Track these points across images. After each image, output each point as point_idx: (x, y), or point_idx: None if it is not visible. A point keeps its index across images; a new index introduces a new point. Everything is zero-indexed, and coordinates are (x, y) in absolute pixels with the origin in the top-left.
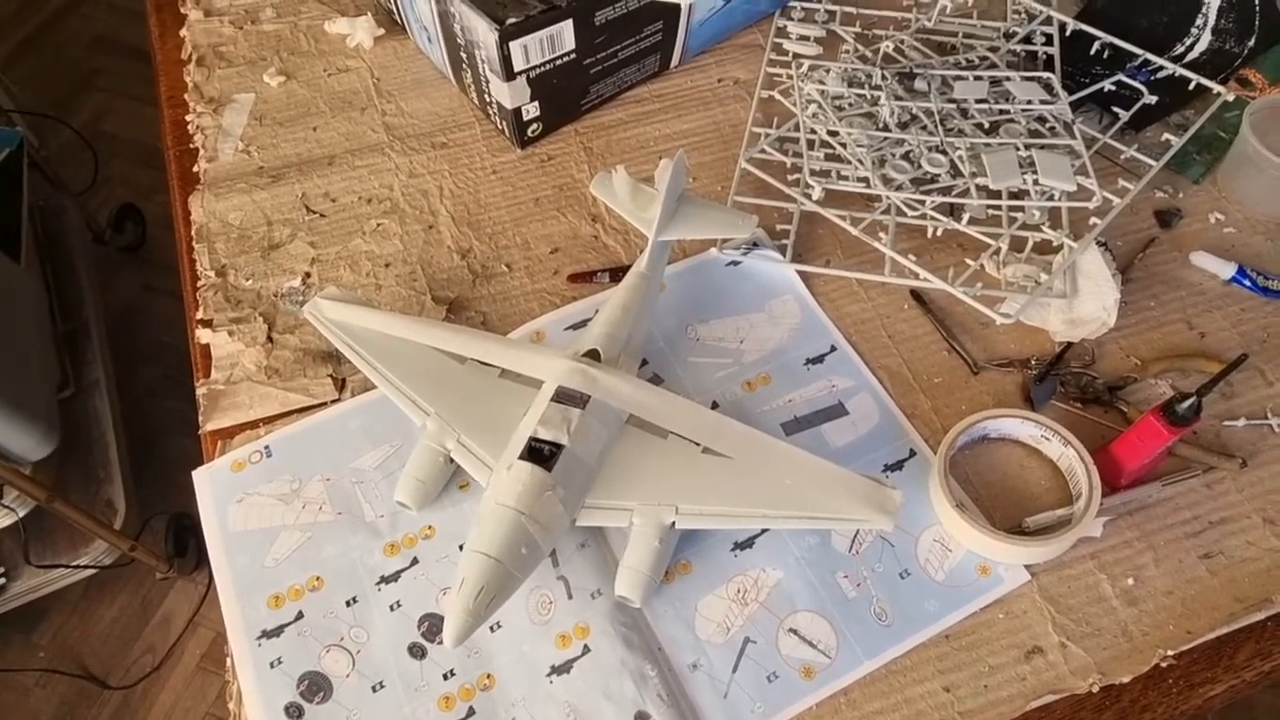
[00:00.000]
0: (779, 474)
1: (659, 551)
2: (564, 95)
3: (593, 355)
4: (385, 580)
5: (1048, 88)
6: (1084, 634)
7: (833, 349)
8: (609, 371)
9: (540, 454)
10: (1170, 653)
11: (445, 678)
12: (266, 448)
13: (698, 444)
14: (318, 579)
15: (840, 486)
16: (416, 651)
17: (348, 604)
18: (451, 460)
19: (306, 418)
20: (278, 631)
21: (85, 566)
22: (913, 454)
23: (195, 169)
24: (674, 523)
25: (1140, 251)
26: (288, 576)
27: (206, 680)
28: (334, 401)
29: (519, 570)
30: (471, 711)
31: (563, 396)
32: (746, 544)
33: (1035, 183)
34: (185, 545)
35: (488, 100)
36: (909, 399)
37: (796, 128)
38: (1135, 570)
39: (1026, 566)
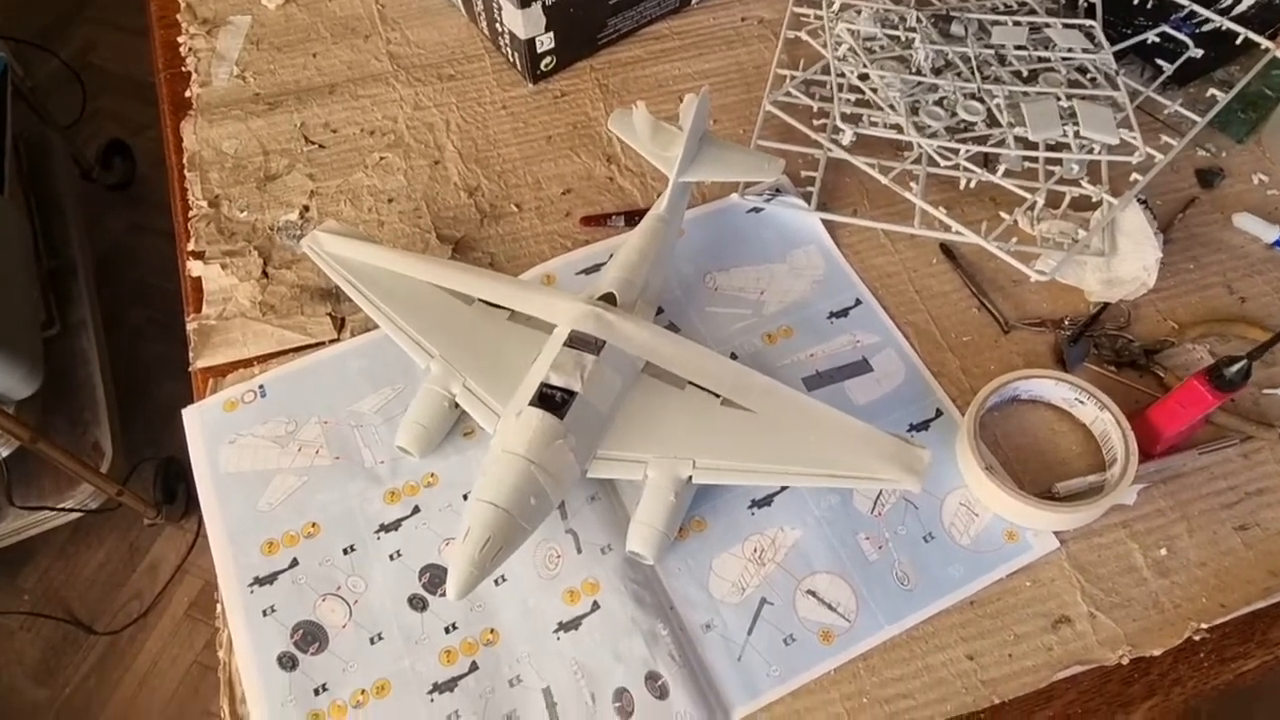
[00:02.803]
0: (802, 429)
1: (674, 506)
2: (580, 27)
3: (608, 299)
4: (385, 529)
5: (1089, 36)
6: (1114, 604)
7: (857, 303)
8: (625, 317)
9: (552, 401)
10: (1203, 626)
11: (447, 631)
12: (261, 387)
13: (717, 395)
14: (314, 525)
15: (866, 444)
16: (417, 603)
17: (345, 552)
18: (456, 405)
19: (303, 357)
20: (271, 579)
21: (71, 510)
22: (939, 414)
23: (187, 94)
24: (691, 477)
25: (1180, 211)
26: (282, 522)
27: (195, 628)
28: (332, 341)
29: (527, 521)
30: (474, 666)
31: (576, 341)
32: (764, 501)
33: (1075, 135)
34: (174, 491)
35: (499, 30)
36: (936, 357)
37: (824, 70)
38: (1168, 540)
39: (1056, 533)
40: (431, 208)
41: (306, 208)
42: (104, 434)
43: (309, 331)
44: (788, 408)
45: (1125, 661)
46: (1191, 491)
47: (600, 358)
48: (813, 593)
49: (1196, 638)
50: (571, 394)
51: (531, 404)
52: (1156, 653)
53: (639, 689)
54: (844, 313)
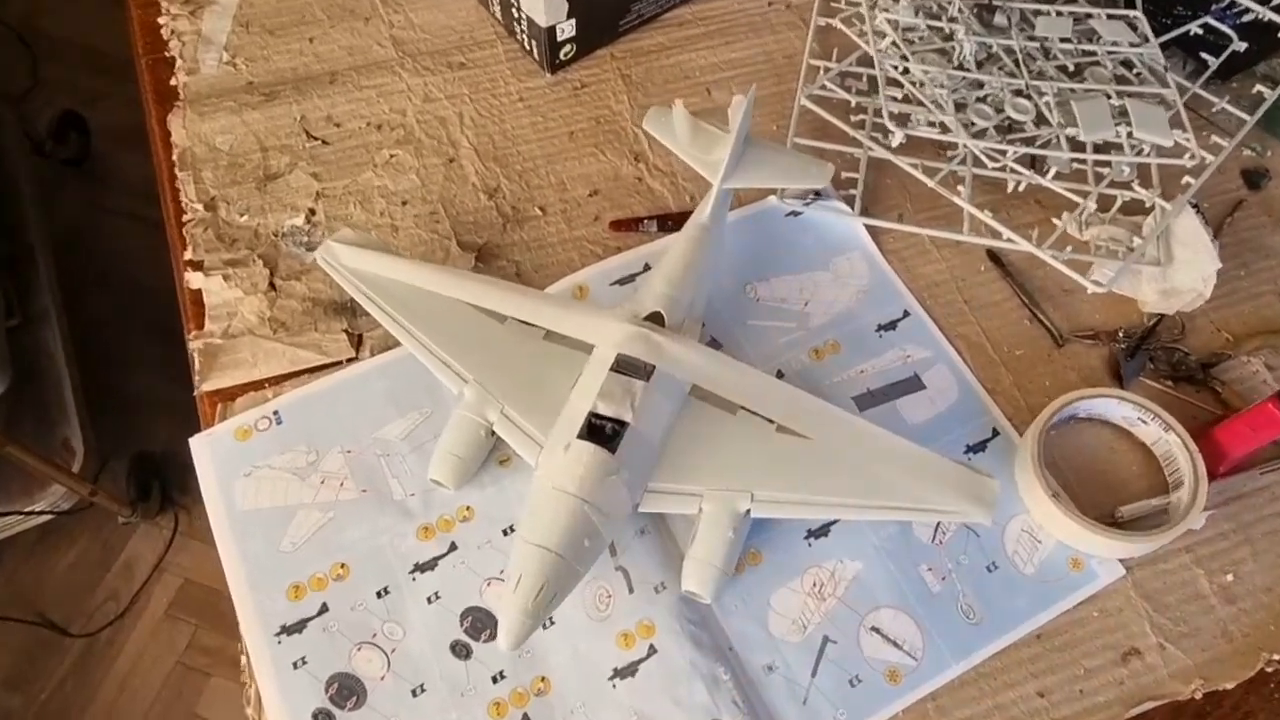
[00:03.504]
0: (863, 457)
1: (731, 542)
2: (602, 12)
3: (655, 319)
4: (420, 568)
5: (1132, 27)
6: (1182, 634)
7: (905, 314)
8: (675, 338)
9: (601, 432)
10: (1275, 657)
11: (494, 680)
12: (276, 413)
13: (771, 421)
14: (343, 566)
15: (930, 473)
16: (460, 650)
17: (379, 595)
18: (493, 434)
19: (320, 379)
20: (300, 626)
21: (41, 513)
22: (995, 434)
23: (172, 82)
24: (749, 510)
25: (1228, 215)
26: (308, 563)
27: (175, 628)
28: (350, 360)
29: (581, 564)
30: (525, 719)
31: (624, 366)
32: (821, 532)
33: (1128, 135)
34: (148, 487)
35: (515, 15)
36: (990, 373)
37: (859, 62)
38: (1233, 565)
39: (1121, 560)
40: (450, 211)
41: (313, 211)
42: (73, 431)
43: (324, 350)
44: (846, 434)
45: (1199, 695)
46: (1253, 513)
47: (650, 384)
48: (877, 629)
49: (1269, 669)
50: (623, 424)
51: (580, 436)
52: (1229, 685)
53: None
54: (892, 325)
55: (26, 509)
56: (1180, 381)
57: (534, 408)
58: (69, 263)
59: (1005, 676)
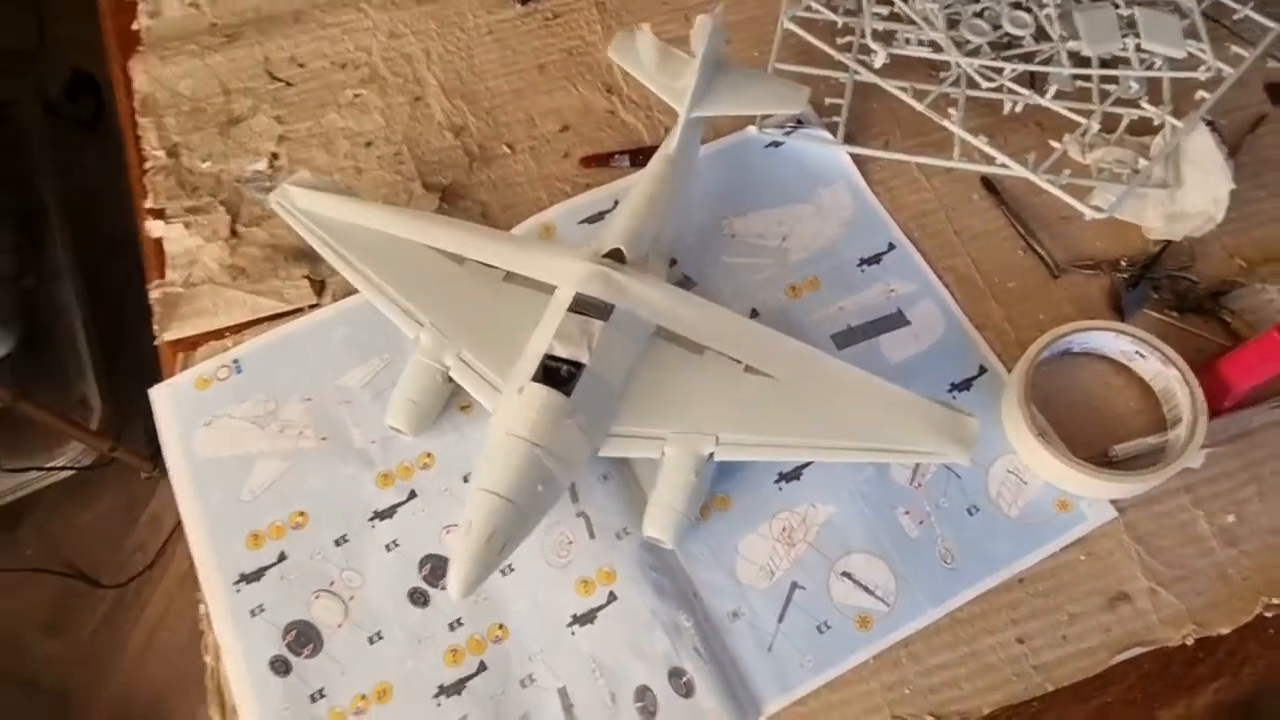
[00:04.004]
0: (835, 397)
1: (695, 486)
2: None
3: (615, 256)
4: (379, 516)
5: None
6: (1176, 578)
7: (891, 247)
8: (636, 276)
9: (556, 375)
10: (1275, 600)
11: (452, 628)
12: (236, 362)
13: (739, 361)
14: (301, 515)
15: (907, 412)
16: (418, 598)
17: (337, 543)
18: (451, 379)
19: (280, 326)
20: (258, 575)
21: (62, 468)
22: (983, 371)
23: (135, 26)
24: (713, 454)
25: (1248, 132)
26: (267, 512)
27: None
28: (312, 307)
29: (535, 511)
30: (483, 666)
31: (582, 305)
32: (793, 475)
33: (1136, 48)
34: None
35: None
36: (979, 306)
37: None
38: (1236, 506)
39: (1113, 502)
40: (414, 151)
41: (275, 155)
42: (90, 388)
43: (286, 297)
44: (818, 373)
45: (1190, 642)
46: (1262, 450)
47: (609, 323)
48: (848, 575)
49: (1268, 614)
50: (579, 366)
51: (534, 379)
52: (1224, 630)
53: (662, 686)
54: (876, 259)
55: (48, 465)
56: (1187, 312)
57: (492, 351)
58: (87, 223)
59: (984, 622)
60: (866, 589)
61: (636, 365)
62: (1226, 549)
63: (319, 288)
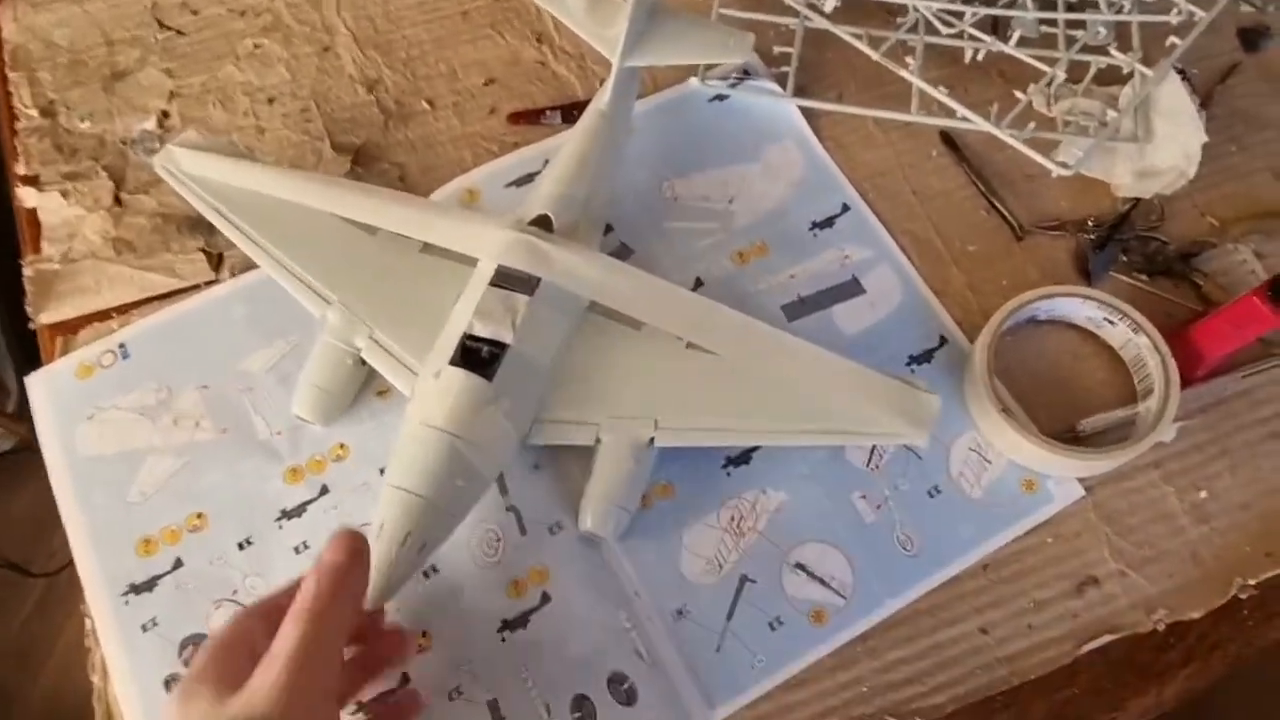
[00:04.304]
0: (784, 375)
1: (634, 475)
2: None
3: (542, 223)
4: (287, 515)
5: None
6: (1145, 559)
7: (844, 209)
8: (564, 245)
9: (477, 357)
10: (1251, 581)
11: None
12: (122, 346)
13: (681, 338)
14: (199, 516)
15: (861, 390)
16: None
17: (240, 546)
18: (363, 362)
19: (172, 306)
20: (150, 585)
21: None
22: (944, 342)
23: None
24: (652, 439)
25: (1218, 82)
26: (160, 514)
27: None
28: (209, 284)
29: (455, 508)
30: (405, 679)
31: (505, 279)
32: (741, 459)
33: None
34: None
35: None
36: (938, 273)
37: None
38: (1207, 481)
39: (1080, 480)
40: (323, 108)
41: (166, 113)
42: (6, 367)
43: (178, 273)
44: (766, 349)
45: (1162, 627)
46: (1232, 421)
47: (535, 298)
48: (802, 566)
49: (1242, 595)
50: (501, 347)
51: (452, 363)
52: (1196, 615)
53: (601, 695)
54: (829, 222)
55: None
56: (1156, 275)
57: (408, 331)
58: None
59: (945, 613)
60: (821, 581)
61: (567, 343)
62: (1198, 526)
63: (216, 262)
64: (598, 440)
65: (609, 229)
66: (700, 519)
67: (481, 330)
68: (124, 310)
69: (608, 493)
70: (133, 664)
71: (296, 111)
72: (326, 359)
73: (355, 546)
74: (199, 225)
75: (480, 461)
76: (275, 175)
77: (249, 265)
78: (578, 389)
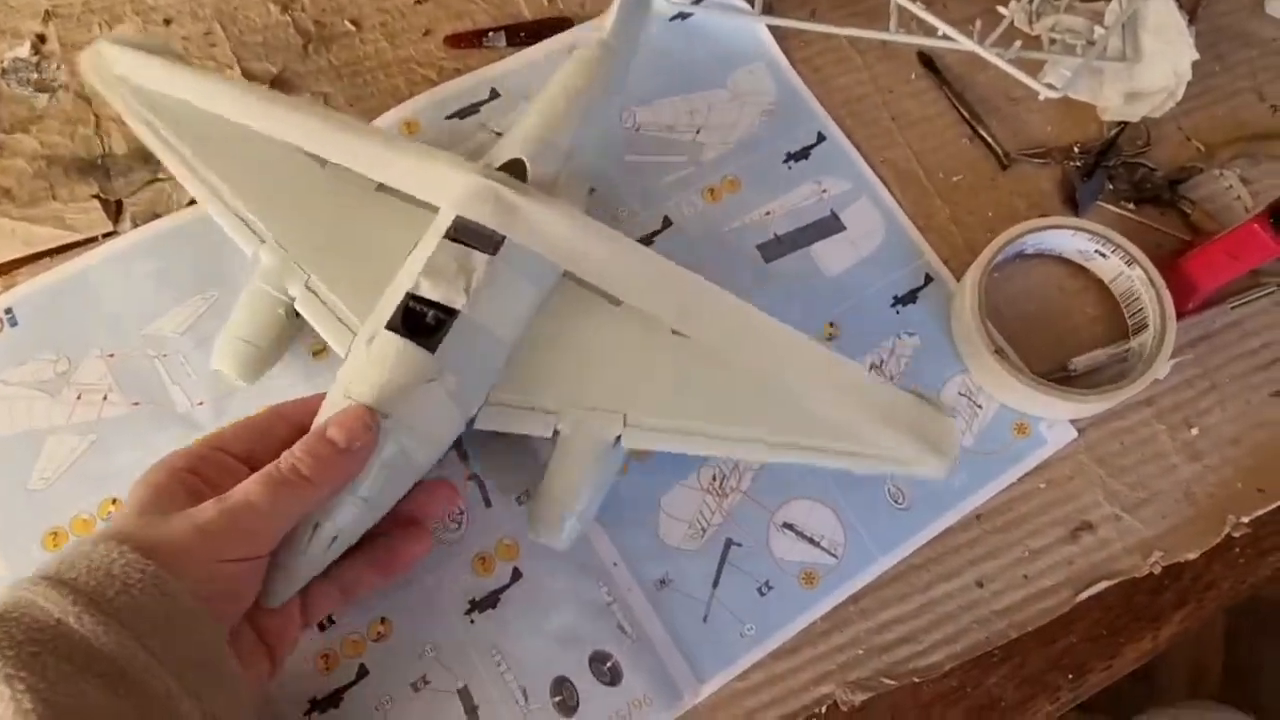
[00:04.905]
0: (781, 375)
1: (594, 479)
2: None
3: (515, 169)
4: None
5: None
6: (1139, 501)
7: (820, 138)
8: (537, 199)
9: (420, 322)
10: (1244, 519)
11: (321, 627)
12: (9, 312)
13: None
14: (114, 502)
15: (869, 401)
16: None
17: None
18: (297, 314)
19: (65, 263)
20: None
21: None
22: (929, 280)
23: None
24: (619, 438)
25: None
26: (68, 501)
27: None
28: (107, 236)
29: (378, 499)
30: (363, 671)
31: (463, 233)
32: None
33: None
34: None
35: None
36: (921, 205)
37: None
38: (1198, 416)
39: (1072, 421)
40: (230, 30)
41: (42, 37)
42: None
43: (70, 224)
44: (763, 345)
45: (1157, 570)
46: (1222, 354)
47: (497, 258)
48: (790, 525)
49: (1236, 534)
50: (450, 313)
51: (389, 326)
52: (1191, 556)
53: (583, 675)
54: (804, 153)
55: None
56: (1144, 203)
57: (351, 282)
58: None
59: (939, 567)
60: (811, 540)
61: (533, 315)
62: (1190, 464)
63: (114, 210)
64: (556, 433)
65: (593, 190)
66: (679, 480)
67: (429, 291)
68: (7, 270)
69: (561, 496)
70: None
71: (199, 35)
72: (255, 306)
73: (362, 433)
74: (92, 168)
75: (414, 446)
76: (222, 85)
77: (154, 213)
78: (539, 371)
